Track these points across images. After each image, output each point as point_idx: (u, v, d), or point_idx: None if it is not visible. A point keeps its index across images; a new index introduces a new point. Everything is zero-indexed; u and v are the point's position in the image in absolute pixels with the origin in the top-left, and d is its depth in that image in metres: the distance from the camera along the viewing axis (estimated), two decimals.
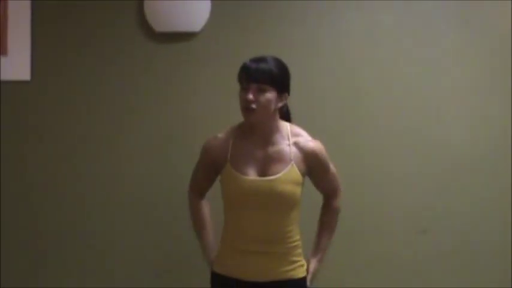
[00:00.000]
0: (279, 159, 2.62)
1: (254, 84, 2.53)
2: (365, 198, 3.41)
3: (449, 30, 3.44)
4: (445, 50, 3.44)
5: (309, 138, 2.70)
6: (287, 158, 2.62)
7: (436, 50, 3.43)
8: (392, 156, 3.44)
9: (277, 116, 2.66)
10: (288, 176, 2.60)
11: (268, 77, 2.54)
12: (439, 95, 3.44)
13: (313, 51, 3.44)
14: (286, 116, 2.76)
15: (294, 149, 2.64)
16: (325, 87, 3.44)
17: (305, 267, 2.74)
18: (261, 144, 2.65)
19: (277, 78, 2.56)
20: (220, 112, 3.37)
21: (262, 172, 2.61)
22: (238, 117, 2.66)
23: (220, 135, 2.72)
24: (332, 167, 2.77)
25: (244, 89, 2.57)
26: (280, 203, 2.61)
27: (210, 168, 2.75)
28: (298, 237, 2.71)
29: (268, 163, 2.62)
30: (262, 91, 2.54)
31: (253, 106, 2.53)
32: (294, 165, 2.61)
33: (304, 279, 2.72)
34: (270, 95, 2.55)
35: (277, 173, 2.59)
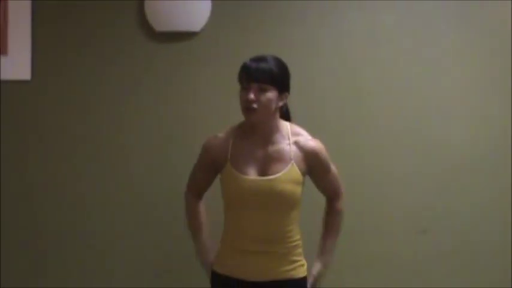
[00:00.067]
0: (279, 158, 2.62)
1: (255, 84, 2.53)
2: (365, 198, 3.40)
3: (449, 30, 3.44)
4: (445, 50, 3.44)
5: (309, 137, 2.70)
6: (287, 158, 2.62)
7: (436, 50, 3.44)
8: (392, 156, 3.44)
9: (278, 116, 2.66)
10: (288, 175, 2.60)
11: (268, 77, 2.54)
12: (439, 95, 3.44)
13: (313, 51, 3.44)
14: (286, 116, 2.76)
15: (294, 148, 2.64)
16: (325, 87, 3.44)
17: (305, 267, 2.74)
18: (261, 143, 2.65)
19: (278, 77, 2.57)
20: (220, 112, 3.37)
21: (263, 172, 2.61)
22: (238, 117, 2.66)
23: (221, 134, 2.72)
24: (333, 168, 2.76)
25: (244, 89, 2.57)
26: (280, 203, 2.61)
27: (209, 168, 2.74)
28: (298, 236, 2.71)
29: (268, 162, 2.62)
30: (263, 91, 2.54)
31: (255, 106, 2.53)
32: (294, 164, 2.61)
33: (304, 279, 2.72)
34: (271, 94, 2.55)
35: (277, 172, 2.59)
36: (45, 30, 3.49)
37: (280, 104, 2.63)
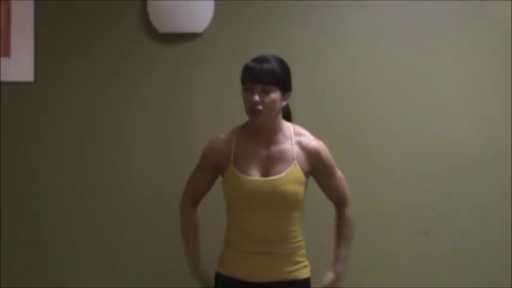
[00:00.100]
0: (281, 159, 2.62)
1: (259, 85, 2.53)
2: (365, 198, 3.40)
3: (449, 30, 3.45)
4: (445, 50, 3.45)
5: (312, 137, 2.70)
6: (290, 158, 2.62)
7: (436, 50, 3.44)
8: (392, 156, 3.45)
9: (281, 116, 2.67)
10: (291, 175, 2.60)
11: (272, 78, 2.54)
12: (439, 95, 3.44)
13: (316, 51, 3.45)
14: (287, 116, 2.76)
15: (296, 149, 2.65)
16: (326, 87, 3.45)
17: (309, 268, 2.74)
18: (264, 144, 2.65)
19: (281, 77, 2.57)
20: (223, 113, 3.37)
21: (265, 172, 2.61)
22: (241, 118, 2.67)
23: (223, 135, 2.73)
24: (339, 173, 2.76)
25: (248, 90, 2.56)
26: (283, 203, 2.62)
27: (211, 170, 2.74)
28: (301, 237, 2.72)
29: (271, 163, 2.62)
30: (267, 92, 2.54)
31: (260, 107, 2.53)
32: (297, 164, 2.62)
33: (307, 280, 2.72)
34: (275, 95, 2.55)
35: (280, 172, 2.60)
36: (48, 32, 3.48)
37: (284, 103, 2.63)
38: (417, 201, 3.44)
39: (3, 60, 3.46)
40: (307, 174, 2.67)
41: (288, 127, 2.70)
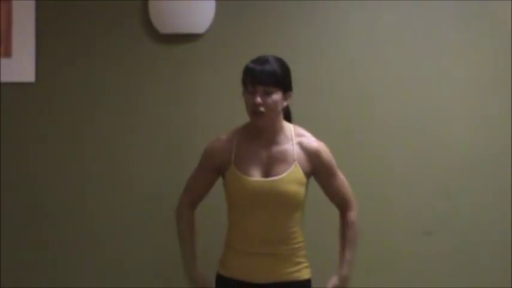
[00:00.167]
0: (282, 159, 2.62)
1: (260, 87, 2.53)
2: (365, 199, 3.38)
3: (450, 30, 3.45)
4: (445, 50, 3.45)
5: (313, 138, 2.70)
6: (291, 158, 2.62)
7: (436, 50, 3.44)
8: (392, 156, 3.45)
9: (282, 117, 2.66)
10: (292, 176, 2.60)
11: (273, 79, 2.53)
12: (439, 94, 3.45)
13: (318, 51, 3.45)
14: (287, 116, 2.76)
15: (297, 149, 2.64)
16: (327, 87, 3.45)
17: (309, 269, 2.73)
18: (265, 144, 2.64)
19: (282, 78, 2.57)
20: (225, 113, 3.37)
21: (266, 173, 2.61)
22: (243, 118, 2.66)
23: (223, 136, 2.72)
24: (340, 174, 2.75)
25: (250, 92, 2.55)
26: (284, 203, 2.61)
27: (212, 172, 2.73)
28: (302, 238, 2.71)
29: (272, 164, 2.62)
30: (269, 93, 2.53)
31: (262, 109, 2.53)
32: (298, 165, 2.62)
33: (308, 281, 2.72)
34: (277, 96, 2.55)
35: (281, 173, 2.60)
36: (49, 32, 3.48)
37: (285, 104, 2.62)
38: (417, 201, 3.44)
39: (5, 60, 3.46)
40: (308, 175, 2.66)
41: (289, 128, 2.69)
